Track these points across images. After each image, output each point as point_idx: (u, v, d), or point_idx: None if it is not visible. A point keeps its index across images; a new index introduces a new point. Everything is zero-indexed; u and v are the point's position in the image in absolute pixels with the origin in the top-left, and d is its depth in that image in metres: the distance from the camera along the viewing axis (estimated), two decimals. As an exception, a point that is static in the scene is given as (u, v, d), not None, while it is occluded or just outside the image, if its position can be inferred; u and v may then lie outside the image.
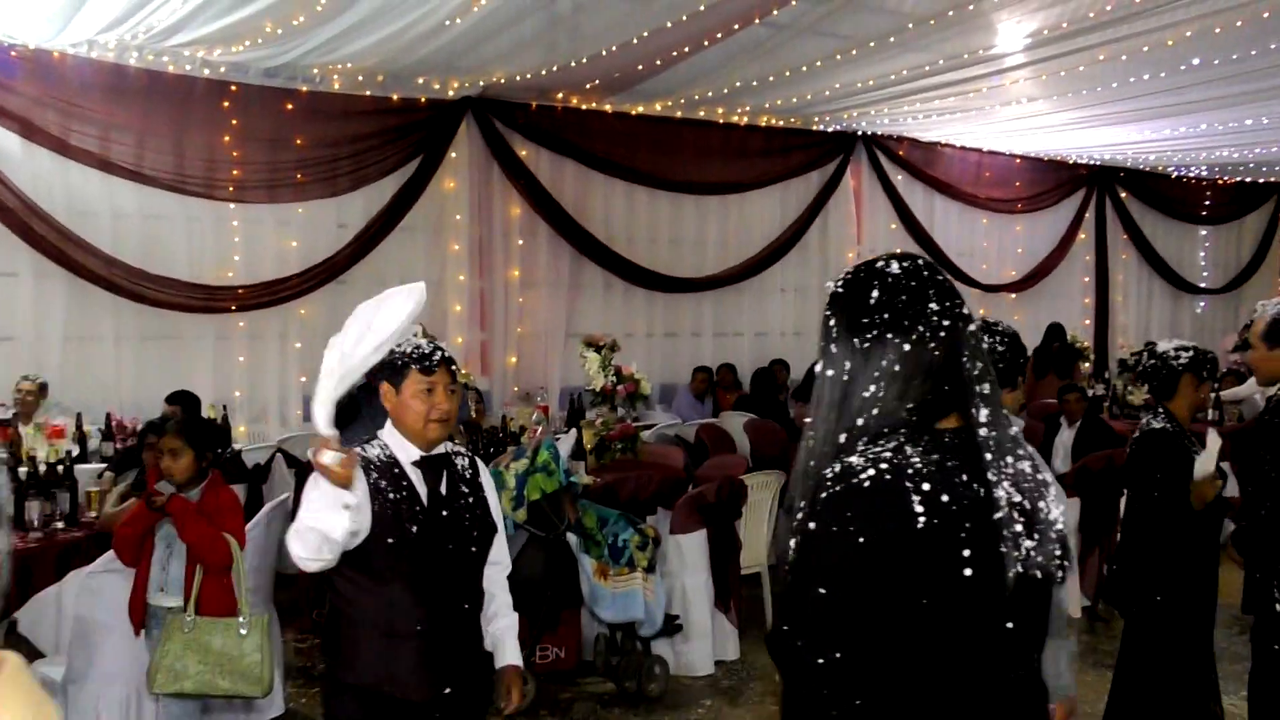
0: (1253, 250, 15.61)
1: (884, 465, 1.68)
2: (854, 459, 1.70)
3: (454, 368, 2.99)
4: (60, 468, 5.52)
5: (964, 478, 1.70)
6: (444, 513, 2.91)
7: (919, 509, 1.64)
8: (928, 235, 11.95)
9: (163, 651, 4.06)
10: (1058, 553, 1.76)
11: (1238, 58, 7.80)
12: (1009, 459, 1.74)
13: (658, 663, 5.60)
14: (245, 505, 6.64)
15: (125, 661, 4.45)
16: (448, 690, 2.89)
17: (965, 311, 1.79)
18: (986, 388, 1.77)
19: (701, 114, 10.08)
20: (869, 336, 1.75)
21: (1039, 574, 1.73)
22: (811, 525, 1.69)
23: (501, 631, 3.06)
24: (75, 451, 6.21)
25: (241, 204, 8.13)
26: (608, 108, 9.64)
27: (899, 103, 9.70)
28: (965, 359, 1.77)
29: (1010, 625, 1.71)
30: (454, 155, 9.02)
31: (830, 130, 11.05)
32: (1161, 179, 14.35)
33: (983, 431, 1.74)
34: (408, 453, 2.91)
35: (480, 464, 3.13)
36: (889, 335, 1.74)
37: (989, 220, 12.75)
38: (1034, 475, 1.78)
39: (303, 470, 7.23)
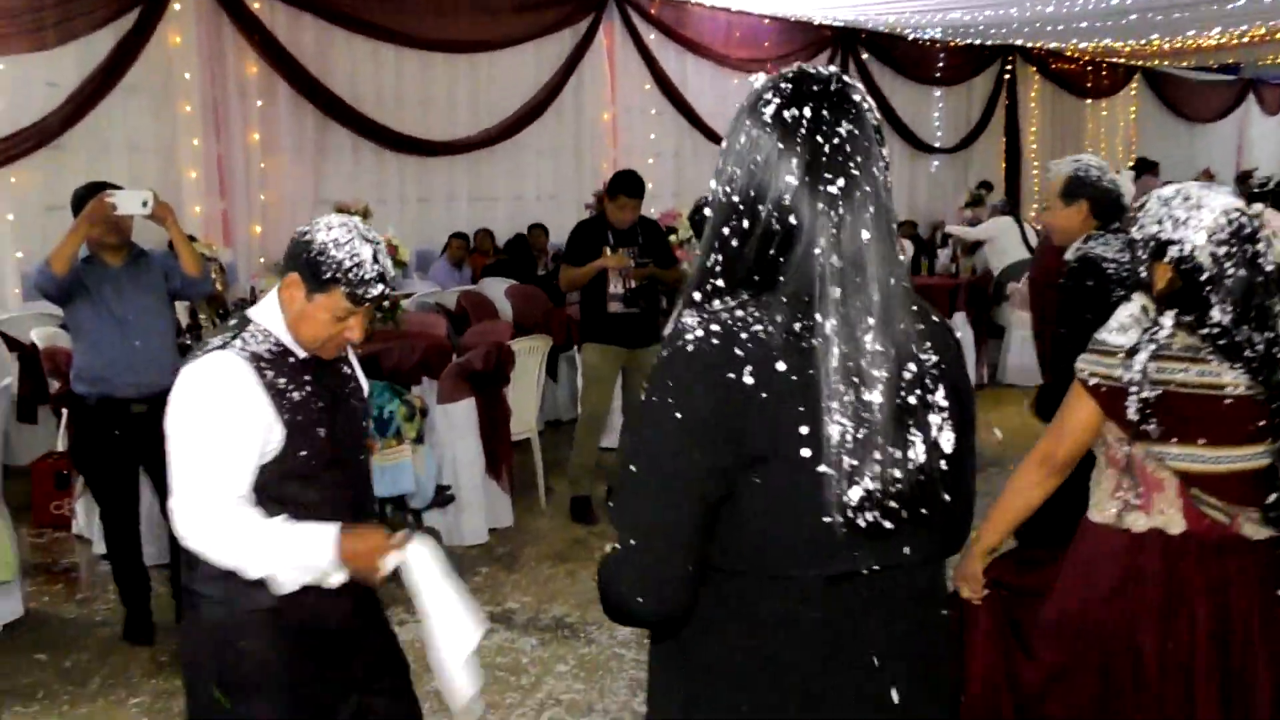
0: (981, 111, 16.43)
1: (715, 327, 1.47)
2: (687, 319, 1.50)
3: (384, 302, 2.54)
4: None
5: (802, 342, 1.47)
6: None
7: (748, 380, 1.44)
8: (681, 96, 11.92)
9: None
10: None
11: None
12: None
13: (431, 534, 5.50)
14: (-39, 395, 6.05)
15: None
16: None
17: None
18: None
19: (448, -34, 9.59)
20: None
21: None
22: (649, 397, 1.50)
23: None
24: None
25: (-70, 59, 7.17)
26: (347, -43, 9.02)
27: (651, -43, 9.52)
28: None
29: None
30: (177, 7, 8.18)
31: (582, -14, 10.77)
32: (899, 40, 14.75)
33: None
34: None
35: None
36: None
37: (739, 81, 12.81)
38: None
39: (25, 355, 6.62)
